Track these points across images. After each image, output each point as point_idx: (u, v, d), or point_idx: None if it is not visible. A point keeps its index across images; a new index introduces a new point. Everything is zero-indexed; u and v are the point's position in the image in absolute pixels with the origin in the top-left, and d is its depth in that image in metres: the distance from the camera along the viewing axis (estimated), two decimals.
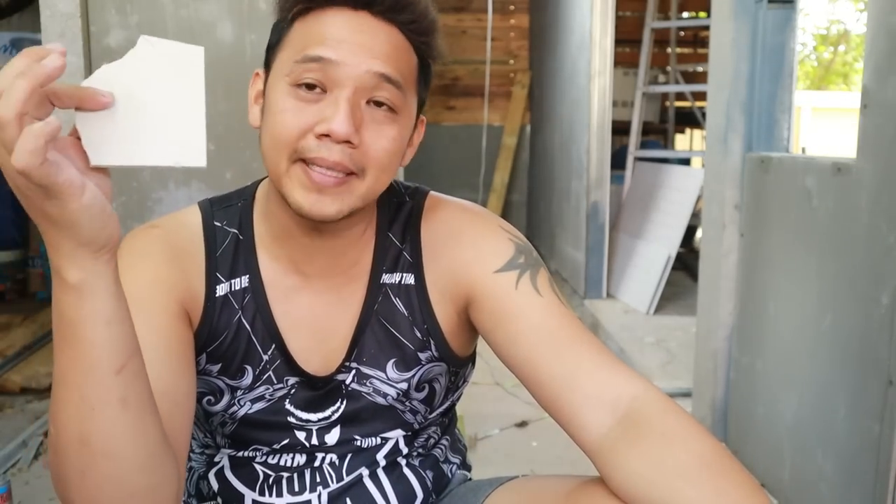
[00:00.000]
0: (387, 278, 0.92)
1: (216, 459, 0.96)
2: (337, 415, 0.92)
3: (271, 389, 0.91)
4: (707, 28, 4.26)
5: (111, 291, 0.63)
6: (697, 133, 6.91)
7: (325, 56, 0.78)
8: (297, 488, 0.92)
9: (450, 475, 1.03)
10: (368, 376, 0.91)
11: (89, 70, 2.16)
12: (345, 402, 0.92)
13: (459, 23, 6.19)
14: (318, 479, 0.93)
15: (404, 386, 0.92)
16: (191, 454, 0.99)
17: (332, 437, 0.93)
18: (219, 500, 0.95)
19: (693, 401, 2.48)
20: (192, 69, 0.61)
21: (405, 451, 0.96)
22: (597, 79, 4.01)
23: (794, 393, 1.90)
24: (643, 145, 5.00)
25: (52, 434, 0.67)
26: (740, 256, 2.23)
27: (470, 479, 1.07)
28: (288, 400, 0.91)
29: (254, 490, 0.93)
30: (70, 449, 0.65)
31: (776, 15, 2.15)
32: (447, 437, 1.04)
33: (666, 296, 3.92)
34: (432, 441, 1.00)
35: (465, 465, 1.08)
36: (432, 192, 0.97)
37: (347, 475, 0.93)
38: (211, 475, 0.96)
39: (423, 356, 0.92)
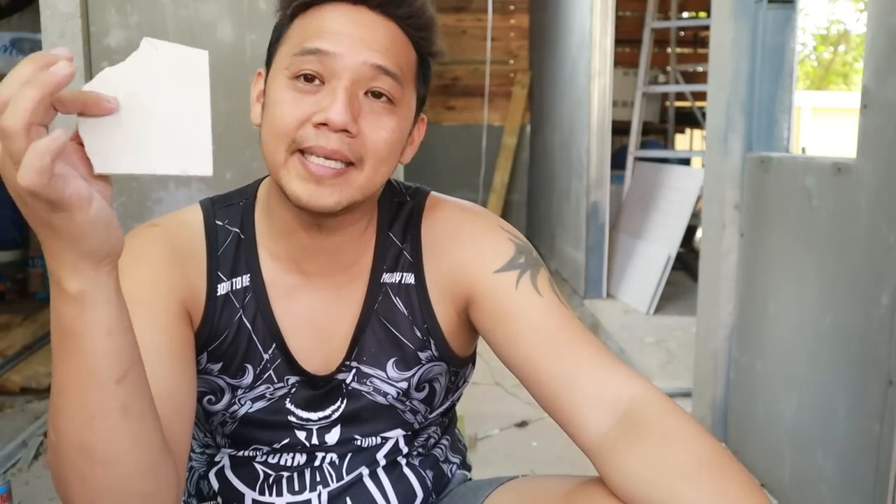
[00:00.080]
0: (387, 278, 0.92)
1: (216, 459, 0.96)
2: (337, 414, 0.92)
3: (272, 388, 0.91)
4: (707, 28, 4.26)
5: (112, 301, 0.62)
6: (697, 133, 6.91)
7: (323, 48, 0.79)
8: (297, 488, 0.92)
9: (450, 475, 1.03)
10: (369, 375, 0.91)
11: (89, 70, 2.16)
12: (345, 402, 0.92)
13: (459, 23, 6.19)
14: (318, 479, 0.93)
15: (404, 385, 0.92)
16: (191, 454, 0.99)
17: (333, 436, 0.93)
18: (219, 499, 0.95)
19: (693, 401, 2.48)
20: (197, 74, 0.59)
21: (405, 450, 0.96)
22: (597, 79, 4.01)
23: (794, 393, 1.90)
24: (643, 145, 5.00)
25: (51, 439, 0.67)
26: (740, 256, 2.23)
27: (470, 478, 1.07)
28: (288, 399, 0.91)
29: (254, 489, 0.93)
30: (70, 456, 0.65)
31: (776, 15, 2.15)
32: (447, 436, 1.04)
33: (666, 296, 3.92)
34: (432, 441, 1.01)
35: (465, 465, 1.08)
36: (433, 193, 0.97)
37: (347, 475, 0.93)
38: (211, 475, 0.96)
39: (423, 356, 0.92)
